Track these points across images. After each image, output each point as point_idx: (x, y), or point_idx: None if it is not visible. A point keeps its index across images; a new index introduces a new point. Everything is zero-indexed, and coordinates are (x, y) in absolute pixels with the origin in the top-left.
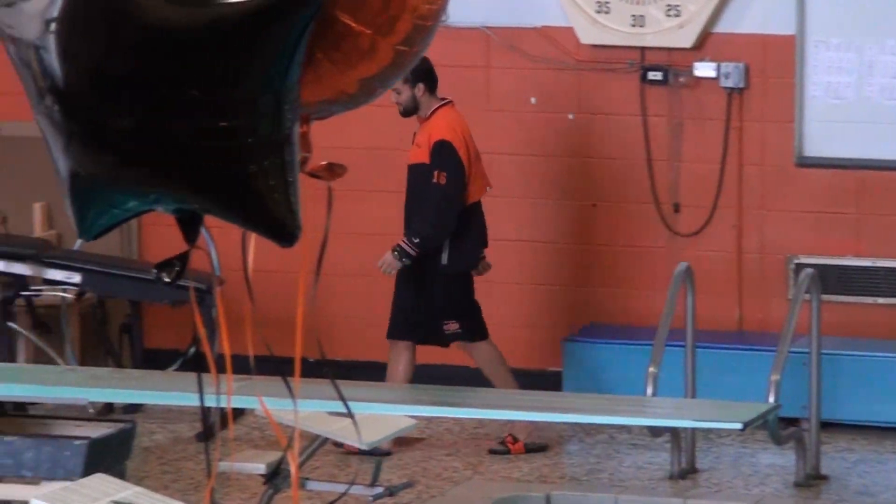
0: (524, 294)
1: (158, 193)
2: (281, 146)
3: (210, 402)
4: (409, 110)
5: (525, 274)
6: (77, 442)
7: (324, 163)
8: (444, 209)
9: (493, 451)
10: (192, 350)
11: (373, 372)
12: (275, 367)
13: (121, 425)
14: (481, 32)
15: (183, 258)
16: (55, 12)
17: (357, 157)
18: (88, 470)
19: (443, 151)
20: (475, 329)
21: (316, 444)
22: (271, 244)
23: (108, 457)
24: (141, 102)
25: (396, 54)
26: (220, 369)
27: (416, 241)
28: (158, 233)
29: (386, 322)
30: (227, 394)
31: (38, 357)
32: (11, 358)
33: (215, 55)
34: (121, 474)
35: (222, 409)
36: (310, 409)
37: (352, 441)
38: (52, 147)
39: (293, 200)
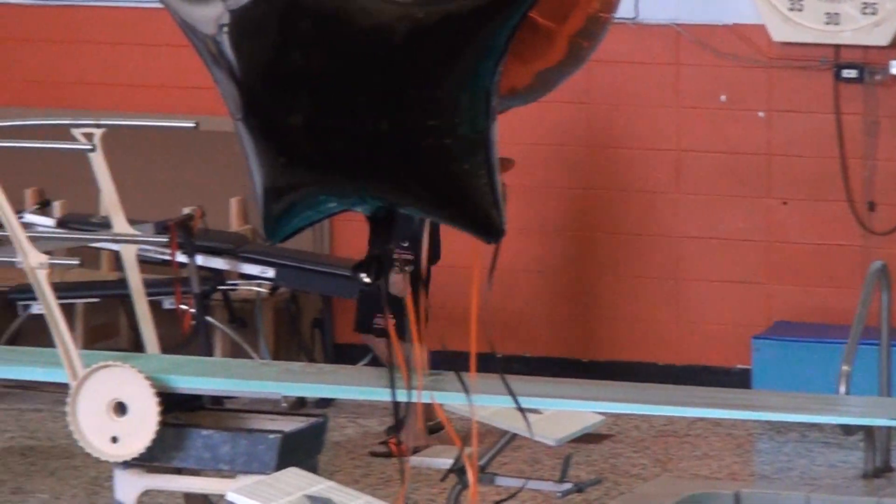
0: (713, 291)
1: (365, 194)
2: (485, 143)
3: (401, 396)
4: None
5: (714, 271)
6: (271, 436)
7: None
8: None
9: (374, 454)
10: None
11: (561, 368)
12: (464, 363)
13: (313, 420)
14: (672, 29)
15: (377, 259)
16: (227, 19)
17: (533, 153)
18: (282, 464)
19: None
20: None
21: (504, 441)
22: (452, 240)
23: (300, 451)
24: (344, 101)
25: (572, 47)
26: (400, 364)
27: (406, 243)
28: (350, 228)
29: (567, 319)
30: (418, 389)
31: (234, 351)
32: (209, 352)
33: (430, 54)
34: (313, 468)
35: (413, 404)
36: (498, 405)
37: (540, 437)
38: (245, 149)
39: (497, 196)
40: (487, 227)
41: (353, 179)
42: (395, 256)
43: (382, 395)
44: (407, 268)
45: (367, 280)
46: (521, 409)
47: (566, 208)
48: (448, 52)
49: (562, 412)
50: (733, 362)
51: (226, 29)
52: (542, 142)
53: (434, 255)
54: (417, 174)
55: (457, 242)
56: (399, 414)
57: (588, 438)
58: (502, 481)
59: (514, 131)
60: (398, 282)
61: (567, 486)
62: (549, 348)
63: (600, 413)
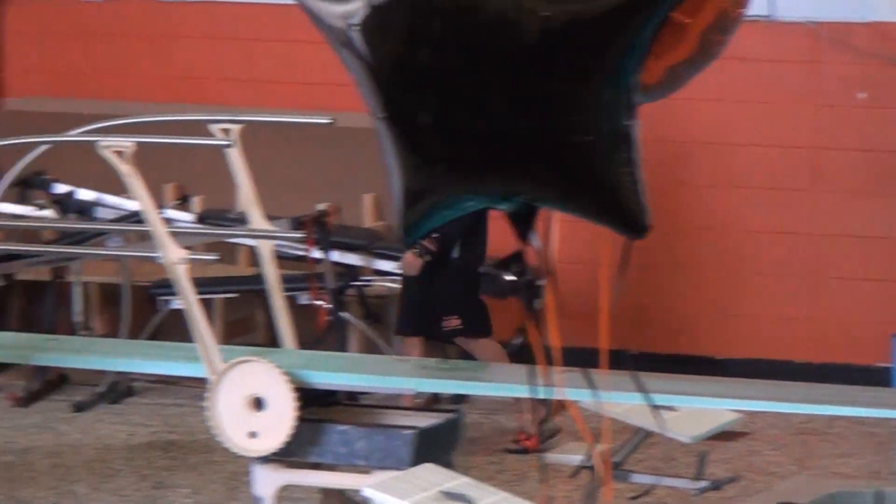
0: (852, 289)
1: (507, 191)
2: (628, 140)
3: (538, 393)
4: None
5: (853, 269)
6: (406, 432)
7: None
8: None
9: (510, 451)
10: (518, 341)
11: (696, 365)
12: (596, 359)
13: (448, 415)
14: (808, 27)
15: (520, 256)
16: (358, 18)
17: (668, 150)
18: (417, 460)
19: None
20: (477, 326)
21: (638, 438)
22: (579, 236)
23: (435, 447)
24: (478, 99)
25: (703, 41)
26: (548, 360)
27: (436, 235)
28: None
29: (695, 316)
30: (554, 385)
31: (369, 347)
32: (344, 347)
33: (573, 52)
34: (448, 464)
35: (549, 400)
36: (633, 402)
37: (675, 434)
38: (384, 147)
39: (642, 193)
40: (632, 223)
41: (494, 178)
42: (421, 242)
43: (517, 391)
44: (425, 256)
45: (510, 278)
46: (654, 406)
47: (702, 205)
48: (592, 49)
49: (697, 409)
50: (873, 360)
51: (357, 27)
52: (677, 139)
53: (480, 253)
54: (561, 171)
55: (583, 238)
56: (541, 411)
57: (724, 436)
58: (637, 478)
59: (648, 128)
60: (409, 261)
61: (703, 483)
62: (683, 345)
63: (736, 411)
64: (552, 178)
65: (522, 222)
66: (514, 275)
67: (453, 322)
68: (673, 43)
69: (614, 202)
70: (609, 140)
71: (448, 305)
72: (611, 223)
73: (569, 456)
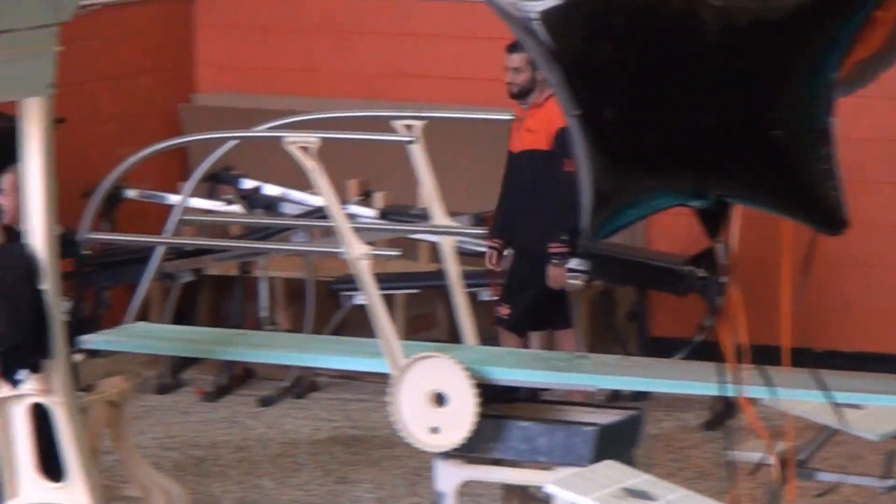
0: None
1: (702, 188)
2: (826, 136)
3: (726, 391)
4: (525, 92)
5: None
6: (587, 429)
7: None
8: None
9: None
10: (700, 338)
11: (883, 363)
12: (797, 358)
13: (629, 412)
14: None
15: (710, 254)
16: (534, 13)
17: (864, 147)
18: (598, 456)
19: (568, 138)
20: (519, 322)
21: (824, 436)
22: (756, 230)
23: (616, 444)
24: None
25: (893, 36)
26: (729, 358)
27: (566, 238)
28: (665, 220)
29: (882, 314)
30: (741, 383)
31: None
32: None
33: (773, 48)
34: (629, 461)
35: (729, 398)
36: (818, 400)
37: (861, 432)
38: (576, 144)
39: (839, 189)
40: (830, 219)
41: (686, 175)
42: (553, 250)
43: (700, 388)
44: (564, 261)
45: (701, 274)
46: (835, 404)
47: (889, 203)
48: (790, 46)
49: (885, 408)
50: None
51: (537, 20)
52: (861, 137)
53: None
54: (758, 167)
55: (763, 234)
56: (727, 409)
57: None
58: (822, 476)
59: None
60: (555, 274)
61: (891, 481)
62: (870, 343)
63: None
64: (748, 174)
65: (712, 220)
66: (706, 272)
67: (504, 310)
68: (862, 37)
69: (813, 198)
70: (808, 136)
71: (507, 293)
72: (808, 219)
73: (752, 454)
